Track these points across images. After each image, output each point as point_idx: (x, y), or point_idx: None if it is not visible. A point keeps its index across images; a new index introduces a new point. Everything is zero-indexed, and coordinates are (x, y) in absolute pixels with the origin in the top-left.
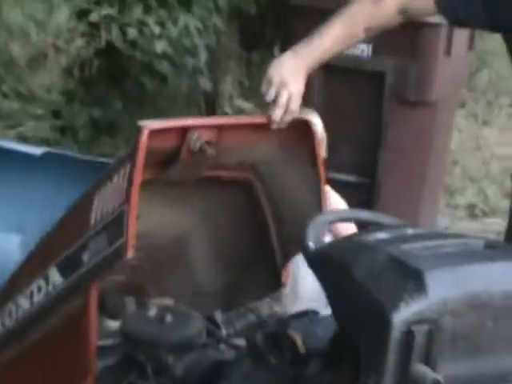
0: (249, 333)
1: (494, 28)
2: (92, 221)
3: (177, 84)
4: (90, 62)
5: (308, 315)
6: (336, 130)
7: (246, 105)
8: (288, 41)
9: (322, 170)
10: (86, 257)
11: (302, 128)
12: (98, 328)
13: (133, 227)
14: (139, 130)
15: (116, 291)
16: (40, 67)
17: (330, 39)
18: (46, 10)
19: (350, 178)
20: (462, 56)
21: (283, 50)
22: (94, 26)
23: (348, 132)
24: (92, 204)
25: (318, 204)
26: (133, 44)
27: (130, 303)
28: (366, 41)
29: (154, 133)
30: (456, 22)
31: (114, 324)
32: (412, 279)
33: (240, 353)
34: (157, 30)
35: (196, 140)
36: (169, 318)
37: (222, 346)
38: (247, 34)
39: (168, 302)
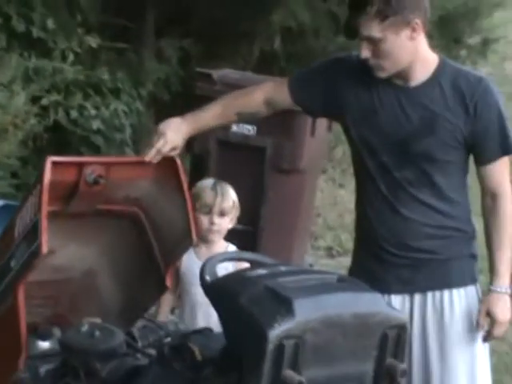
0: (159, 344)
1: (329, 116)
2: (16, 235)
3: (108, 153)
4: (41, 136)
5: (204, 332)
6: None
7: None
8: None
9: (187, 194)
10: (13, 263)
11: (170, 164)
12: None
13: (44, 229)
14: (44, 160)
15: (45, 323)
16: (2, 139)
17: (210, 115)
18: (8, 96)
19: (238, 227)
20: (323, 135)
21: None
22: (45, 109)
23: (238, 192)
24: (15, 224)
25: (186, 220)
26: (74, 122)
27: (56, 330)
28: (252, 123)
29: (55, 164)
30: (308, 112)
31: (43, 344)
32: (283, 305)
33: (152, 360)
34: (93, 112)
35: (90, 173)
36: (97, 332)
37: (138, 355)
38: (161, 115)
39: (97, 320)
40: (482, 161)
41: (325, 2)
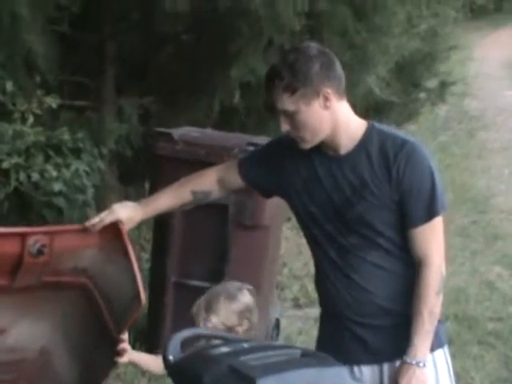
0: None
1: (277, 193)
2: None
3: (70, 215)
4: (2, 203)
5: None
6: (192, 248)
7: None
8: (155, 178)
9: (132, 256)
10: None
11: (113, 229)
12: None
13: None
14: None
15: None
16: None
17: (164, 197)
18: None
19: (204, 284)
20: None
21: (152, 184)
22: (6, 174)
23: (202, 249)
24: None
25: (134, 283)
26: (36, 185)
27: None
28: None
29: None
30: (258, 190)
31: None
32: None
33: None
34: (54, 173)
35: (34, 244)
36: None
37: None
38: (124, 172)
39: None
40: (407, 224)
41: None
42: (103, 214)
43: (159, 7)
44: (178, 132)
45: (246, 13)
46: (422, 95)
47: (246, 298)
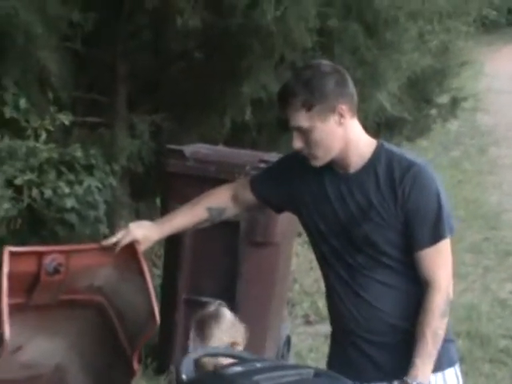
0: None
1: (289, 209)
2: None
3: (82, 231)
4: (15, 219)
5: None
6: (203, 264)
7: None
8: (166, 194)
9: (147, 276)
10: None
11: (128, 249)
12: None
13: (6, 316)
14: (3, 251)
15: None
16: None
17: (180, 215)
18: None
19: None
20: None
21: (163, 200)
22: (19, 190)
23: (213, 266)
24: None
25: (148, 302)
26: (48, 202)
27: None
28: None
29: (14, 254)
30: (270, 207)
31: None
32: None
33: None
34: (67, 190)
35: (50, 263)
36: None
37: None
38: (136, 188)
39: None
40: (413, 247)
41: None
42: (120, 234)
43: (171, 25)
44: (189, 149)
45: (257, 29)
46: (434, 111)
47: (227, 313)
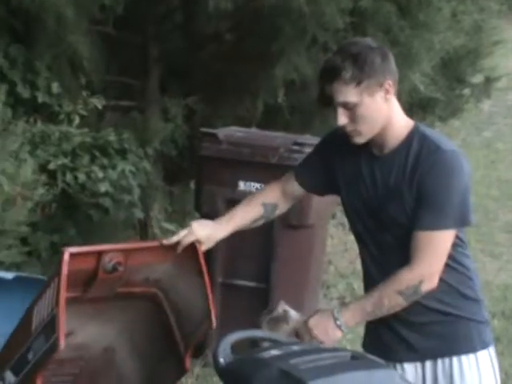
0: None
1: (333, 191)
2: (33, 327)
3: (117, 216)
4: (50, 204)
5: None
6: (238, 248)
7: (170, 226)
8: (200, 177)
9: (206, 277)
10: (30, 356)
11: (189, 249)
12: None
13: (62, 324)
14: (61, 252)
15: None
16: (11, 209)
17: (239, 213)
18: (16, 166)
19: (251, 284)
20: None
21: (197, 184)
22: (53, 175)
23: (248, 249)
24: (32, 315)
25: (206, 303)
26: (82, 186)
27: None
28: (259, 180)
29: (73, 255)
30: (318, 193)
31: None
32: None
33: None
34: (100, 174)
35: (109, 261)
36: None
37: None
38: (169, 171)
39: None
40: (412, 224)
41: (325, 54)
42: (182, 234)
43: (202, 7)
44: (222, 132)
45: (289, 11)
46: (467, 91)
47: (294, 314)
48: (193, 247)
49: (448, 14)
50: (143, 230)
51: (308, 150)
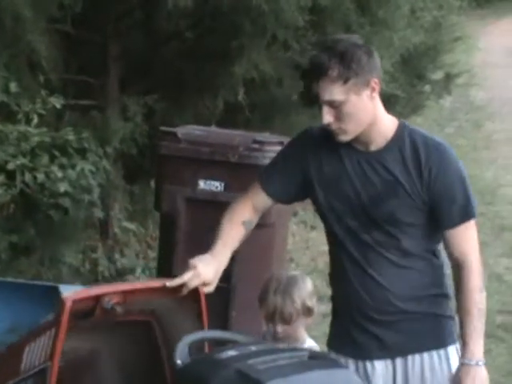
0: None
1: (304, 196)
2: (22, 367)
3: (76, 216)
4: (8, 205)
5: None
6: (198, 247)
7: (131, 225)
8: (160, 176)
9: (205, 319)
10: None
11: (192, 291)
12: None
13: (54, 377)
14: (62, 302)
15: None
16: None
17: (228, 239)
18: None
19: None
20: None
21: (157, 183)
22: (11, 176)
23: (208, 248)
24: (23, 353)
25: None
26: (41, 186)
27: None
28: (220, 179)
29: (74, 302)
30: (285, 201)
31: None
32: None
33: None
34: (60, 174)
35: (108, 302)
36: None
37: None
38: (129, 170)
39: None
40: (443, 226)
41: (286, 53)
42: (186, 276)
43: (162, 4)
44: (182, 130)
45: (248, 8)
46: (427, 88)
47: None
48: (196, 290)
49: (407, 11)
50: (104, 229)
51: (268, 148)
